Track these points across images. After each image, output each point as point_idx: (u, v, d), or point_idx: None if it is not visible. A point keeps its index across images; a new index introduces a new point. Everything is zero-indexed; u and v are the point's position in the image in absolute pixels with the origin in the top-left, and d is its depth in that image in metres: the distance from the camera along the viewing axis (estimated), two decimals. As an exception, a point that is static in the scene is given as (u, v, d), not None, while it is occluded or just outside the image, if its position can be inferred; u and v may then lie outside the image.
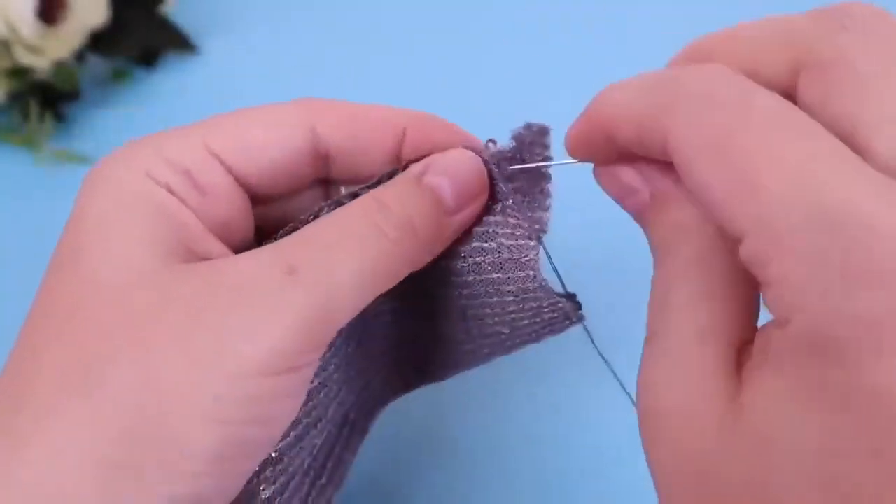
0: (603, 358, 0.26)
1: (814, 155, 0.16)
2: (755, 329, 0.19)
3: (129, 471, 0.19)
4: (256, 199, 0.25)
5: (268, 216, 0.26)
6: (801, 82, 0.18)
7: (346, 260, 0.21)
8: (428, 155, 0.25)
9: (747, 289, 0.19)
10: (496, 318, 0.27)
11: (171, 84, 0.51)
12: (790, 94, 0.19)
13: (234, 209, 0.24)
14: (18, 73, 0.45)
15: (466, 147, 0.25)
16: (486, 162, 0.25)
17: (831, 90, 0.17)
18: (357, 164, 0.25)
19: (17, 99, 0.47)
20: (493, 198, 0.25)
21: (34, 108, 0.46)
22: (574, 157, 0.23)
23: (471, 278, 0.25)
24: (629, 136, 0.20)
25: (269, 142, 0.24)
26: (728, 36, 0.21)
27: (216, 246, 0.23)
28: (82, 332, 0.20)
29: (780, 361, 0.16)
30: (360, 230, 0.22)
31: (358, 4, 0.57)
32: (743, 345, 0.18)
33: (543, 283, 0.24)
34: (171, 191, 0.23)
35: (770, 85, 0.18)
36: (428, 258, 0.24)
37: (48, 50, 0.45)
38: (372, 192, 0.24)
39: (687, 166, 0.18)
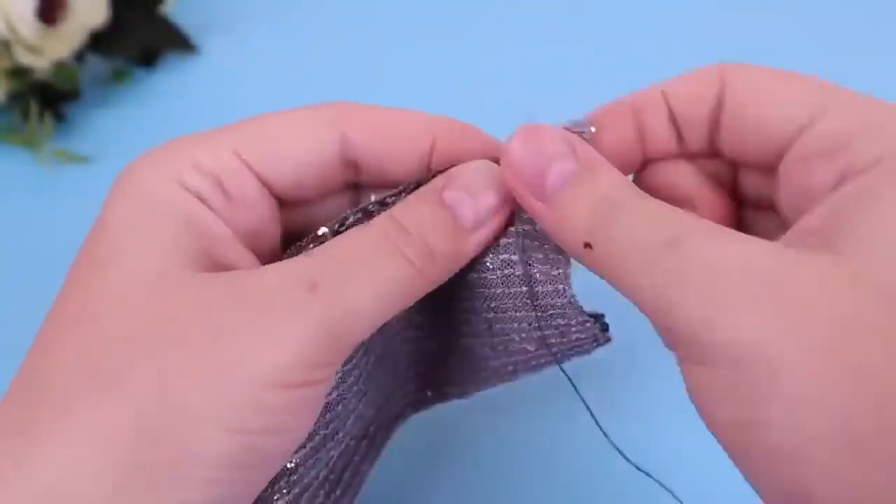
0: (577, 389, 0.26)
1: None
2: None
3: (142, 475, 0.19)
4: (284, 203, 0.25)
5: (295, 220, 0.26)
6: None
7: (366, 279, 0.22)
8: (455, 164, 0.24)
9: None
10: (523, 335, 0.26)
11: (171, 84, 0.51)
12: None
13: (262, 216, 0.24)
14: (18, 73, 0.45)
15: (493, 158, 0.24)
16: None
17: None
18: (386, 171, 0.25)
19: (17, 99, 0.47)
20: (520, 209, 0.24)
21: (34, 108, 0.46)
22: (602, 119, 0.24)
23: (499, 290, 0.25)
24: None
25: (298, 149, 0.24)
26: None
27: (242, 255, 0.23)
28: (100, 335, 0.20)
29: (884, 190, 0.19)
30: (379, 251, 0.22)
31: (358, 4, 0.57)
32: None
33: (573, 300, 0.24)
34: (200, 198, 0.23)
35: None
36: (446, 276, 0.24)
37: (48, 50, 0.45)
38: (392, 212, 0.23)
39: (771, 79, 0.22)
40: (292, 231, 0.26)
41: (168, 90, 0.51)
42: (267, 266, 0.22)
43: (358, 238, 0.23)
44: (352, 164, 0.25)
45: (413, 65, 0.53)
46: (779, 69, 0.22)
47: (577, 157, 0.22)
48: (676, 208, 0.21)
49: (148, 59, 0.52)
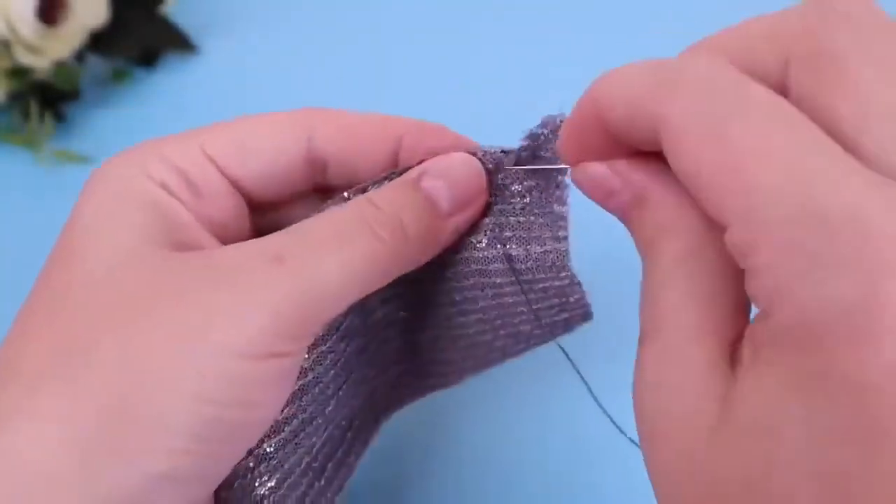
0: (581, 375, 0.26)
1: (805, 149, 0.16)
2: (748, 324, 0.18)
3: (108, 446, 0.19)
4: (254, 204, 0.26)
5: (267, 224, 0.26)
6: (790, 76, 0.18)
7: (334, 253, 0.22)
8: (425, 160, 0.25)
9: (739, 284, 0.18)
10: (516, 319, 0.27)
11: (171, 84, 0.51)
12: (783, 90, 0.18)
13: (228, 211, 0.25)
14: (19, 73, 0.45)
15: (464, 151, 0.25)
16: (484, 164, 0.25)
17: (819, 85, 0.17)
18: (354, 171, 0.26)
19: (18, 99, 0.47)
20: (496, 198, 0.25)
21: (34, 108, 0.46)
22: (565, 154, 0.22)
23: (483, 279, 0.26)
24: (621, 118, 0.19)
25: (264, 147, 0.25)
26: (720, 36, 0.20)
27: (209, 240, 0.24)
28: (69, 313, 0.21)
29: (767, 352, 0.16)
30: (349, 227, 0.22)
31: (358, 4, 0.57)
32: (737, 341, 0.18)
33: (569, 276, 0.25)
34: (166, 188, 0.23)
35: (763, 80, 0.18)
36: (422, 259, 0.24)
37: (48, 50, 0.45)
38: (368, 194, 0.24)
39: (677, 150, 0.17)
40: (264, 234, 0.26)
41: (168, 90, 0.51)
42: (236, 243, 0.22)
43: (330, 216, 0.23)
44: (320, 165, 0.26)
45: (413, 64, 0.53)
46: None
47: (630, 188, 0.21)
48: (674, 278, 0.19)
49: (148, 59, 0.52)
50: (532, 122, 0.25)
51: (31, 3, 0.44)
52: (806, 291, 0.15)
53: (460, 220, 0.25)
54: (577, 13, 0.56)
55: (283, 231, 0.23)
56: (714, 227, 0.18)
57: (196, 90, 0.51)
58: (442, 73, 0.52)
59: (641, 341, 0.19)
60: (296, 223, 0.23)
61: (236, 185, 0.25)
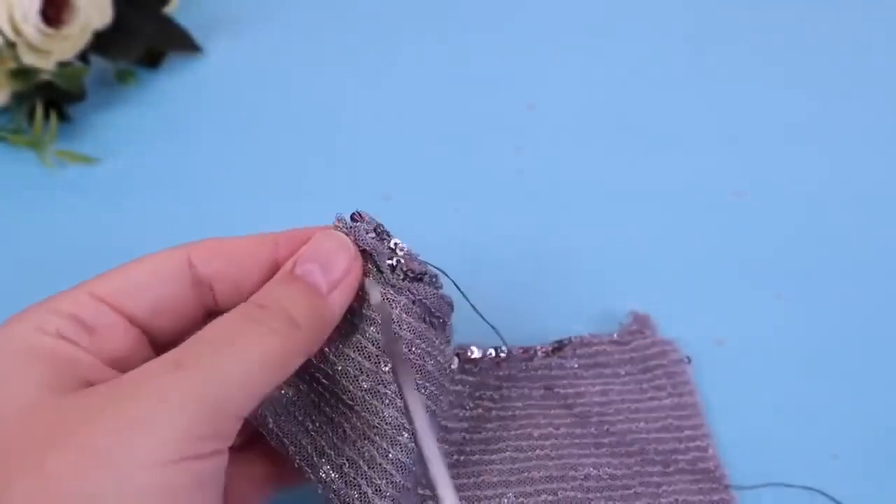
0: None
1: None
2: None
3: None
4: (156, 342, 0.26)
5: None
6: None
7: (229, 351, 0.23)
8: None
9: None
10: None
11: (175, 85, 0.51)
12: None
13: (128, 344, 0.25)
14: (23, 74, 0.45)
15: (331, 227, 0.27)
16: (349, 234, 0.26)
17: None
18: (239, 288, 0.27)
19: (22, 100, 0.47)
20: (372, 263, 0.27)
21: (39, 109, 0.46)
22: None
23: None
24: None
25: (150, 280, 0.26)
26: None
27: (115, 376, 0.24)
28: None
29: None
30: (240, 327, 0.24)
31: (361, 5, 0.57)
32: None
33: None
34: (61, 335, 0.24)
35: None
36: (318, 343, 0.25)
37: (53, 51, 0.46)
38: (251, 297, 0.25)
39: None
40: None
41: (172, 91, 0.51)
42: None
43: (220, 322, 0.24)
44: (206, 287, 0.27)
45: (415, 65, 0.53)
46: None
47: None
48: None
49: (152, 59, 0.52)
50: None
51: (35, 5, 0.44)
52: None
53: (343, 292, 0.26)
54: (580, 17, 0.56)
55: (183, 343, 0.23)
56: None
57: (200, 91, 0.51)
58: (443, 71, 0.52)
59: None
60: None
61: (132, 320, 0.26)
